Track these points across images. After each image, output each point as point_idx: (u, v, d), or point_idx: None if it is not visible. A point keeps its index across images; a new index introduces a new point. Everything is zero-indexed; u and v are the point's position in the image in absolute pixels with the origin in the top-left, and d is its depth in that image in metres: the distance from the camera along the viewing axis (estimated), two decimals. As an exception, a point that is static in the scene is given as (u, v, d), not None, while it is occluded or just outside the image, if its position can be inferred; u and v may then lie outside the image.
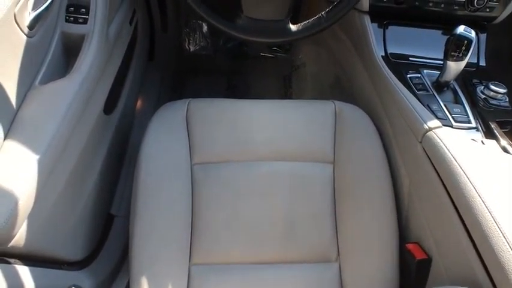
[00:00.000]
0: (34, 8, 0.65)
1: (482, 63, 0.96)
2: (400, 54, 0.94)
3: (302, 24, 0.68)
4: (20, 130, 0.60)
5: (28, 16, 0.63)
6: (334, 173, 0.80)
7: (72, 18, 0.75)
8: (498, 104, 0.81)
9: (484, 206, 0.54)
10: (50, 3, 0.68)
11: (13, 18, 0.57)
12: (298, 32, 0.68)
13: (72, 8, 0.76)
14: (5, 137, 0.59)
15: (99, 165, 0.86)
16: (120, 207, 1.01)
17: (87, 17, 0.76)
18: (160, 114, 0.84)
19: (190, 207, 0.73)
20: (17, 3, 0.58)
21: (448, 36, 0.76)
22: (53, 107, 0.64)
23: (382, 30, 0.97)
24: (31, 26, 0.64)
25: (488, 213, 0.53)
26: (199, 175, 0.77)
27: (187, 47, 1.60)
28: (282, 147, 0.82)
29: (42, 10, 0.66)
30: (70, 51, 0.77)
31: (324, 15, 0.68)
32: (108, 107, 0.90)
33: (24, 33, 0.62)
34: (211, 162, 0.79)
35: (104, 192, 0.93)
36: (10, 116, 0.60)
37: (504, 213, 0.54)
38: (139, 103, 1.21)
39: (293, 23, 0.69)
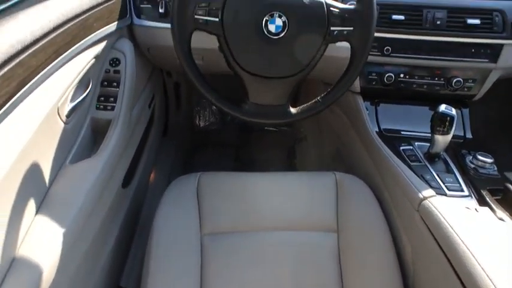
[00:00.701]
0: (72, 99, 0.76)
1: (469, 135, 1.04)
2: (392, 129, 1.04)
3: (300, 107, 0.78)
4: (49, 206, 0.67)
5: (67, 107, 0.74)
6: (338, 242, 0.83)
7: (102, 106, 0.87)
8: (488, 172, 0.87)
9: (484, 275, 0.57)
10: (86, 95, 0.80)
11: (56, 111, 0.68)
12: (297, 114, 0.78)
13: (102, 98, 0.88)
14: (37, 212, 0.65)
15: (113, 238, 0.91)
16: (129, 279, 1.02)
17: (114, 104, 0.88)
18: (173, 188, 0.90)
19: (199, 278, 0.76)
20: (61, 97, 0.69)
21: (433, 113, 0.86)
22: (79, 185, 0.71)
23: (374, 107, 1.08)
24: (68, 115, 0.74)
25: (489, 281, 0.56)
26: (208, 245, 0.80)
27: (198, 123, 1.73)
28: (287, 217, 0.86)
29: (79, 101, 0.78)
30: (97, 133, 0.87)
31: (320, 99, 0.78)
32: (126, 181, 0.98)
33: (63, 121, 0.72)
34: (220, 233, 0.83)
35: (116, 264, 0.96)
36: (42, 193, 0.68)
37: (504, 280, 0.56)
38: (152, 176, 1.29)
39: (293, 107, 0.79)
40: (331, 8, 0.70)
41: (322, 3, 0.70)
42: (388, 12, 0.96)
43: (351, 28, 0.71)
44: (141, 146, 1.12)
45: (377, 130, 1.03)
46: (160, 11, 0.97)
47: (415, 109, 1.09)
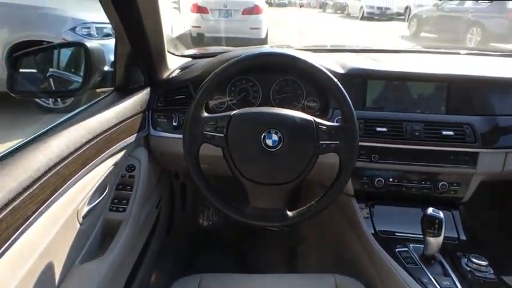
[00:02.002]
0: (89, 202, 0.84)
1: (463, 237, 1.07)
2: (387, 230, 1.08)
3: (297, 211, 0.85)
4: None
5: (84, 209, 0.82)
6: None
7: (114, 208, 0.95)
8: (484, 276, 0.88)
9: None
10: (102, 198, 0.89)
11: (76, 214, 0.76)
12: (293, 217, 0.84)
13: (116, 200, 0.96)
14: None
15: None
16: None
17: (126, 206, 0.96)
18: None
19: None
20: (81, 201, 0.78)
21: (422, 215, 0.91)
22: (87, 286, 0.74)
23: (368, 209, 1.14)
24: (84, 216, 0.82)
25: None
26: None
27: (201, 222, 1.77)
28: None
29: (95, 204, 0.86)
30: (107, 233, 0.93)
31: (314, 203, 0.85)
32: (128, 282, 0.99)
33: (79, 223, 0.79)
34: None
35: None
36: None
37: None
38: (154, 277, 1.28)
39: (293, 209, 0.86)
40: (320, 126, 0.83)
41: (311, 121, 0.83)
42: (373, 125, 1.10)
43: (338, 142, 0.83)
44: (146, 246, 1.16)
45: (373, 232, 1.07)
46: (174, 124, 1.12)
47: (408, 211, 1.14)
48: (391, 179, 1.12)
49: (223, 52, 1.32)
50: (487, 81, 1.14)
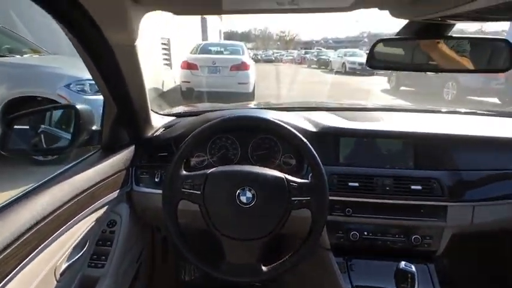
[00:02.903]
0: (69, 258, 0.86)
1: None
2: (364, 286, 1.09)
3: (272, 266, 0.88)
4: None
5: (63, 266, 0.83)
6: None
7: (93, 264, 0.96)
8: None
9: None
10: (81, 254, 0.90)
11: (53, 271, 0.77)
12: (267, 272, 0.87)
13: (95, 256, 0.98)
14: None
15: None
16: None
17: (105, 262, 0.97)
18: None
19: None
20: (60, 258, 0.80)
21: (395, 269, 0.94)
22: None
23: (345, 263, 1.16)
24: (62, 273, 0.83)
25: None
26: None
27: (183, 277, 1.74)
28: None
29: (74, 260, 0.87)
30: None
31: (288, 258, 0.89)
32: None
33: (56, 280, 0.80)
34: None
35: None
36: None
37: None
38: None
39: (264, 265, 0.89)
40: (291, 183, 0.89)
41: (283, 178, 0.89)
42: (346, 180, 1.16)
43: (308, 198, 0.89)
44: None
45: (350, 287, 1.08)
46: (156, 180, 1.17)
47: (385, 264, 1.15)
48: (365, 233, 1.16)
49: (208, 111, 1.42)
50: (450, 138, 1.23)
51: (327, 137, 1.22)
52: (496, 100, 7.35)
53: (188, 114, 1.44)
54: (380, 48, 0.85)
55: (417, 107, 1.65)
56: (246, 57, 7.38)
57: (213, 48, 7.95)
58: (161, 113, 1.42)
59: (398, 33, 0.86)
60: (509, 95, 6.95)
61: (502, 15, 0.64)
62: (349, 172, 1.18)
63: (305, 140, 0.92)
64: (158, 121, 1.33)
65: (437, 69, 0.83)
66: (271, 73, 13.39)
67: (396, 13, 0.70)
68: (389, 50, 0.85)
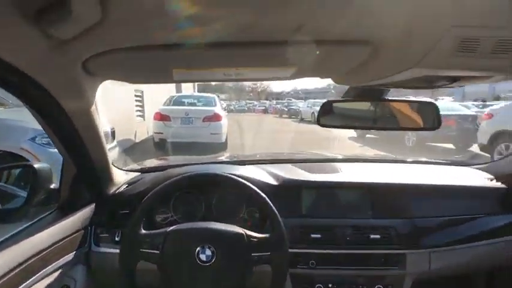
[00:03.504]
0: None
1: None
2: None
3: None
4: None
5: None
6: None
7: None
8: None
9: None
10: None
11: None
12: None
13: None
14: None
15: None
16: None
17: None
18: None
19: None
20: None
21: None
22: None
23: None
24: None
25: None
26: None
27: None
28: None
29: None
30: None
31: None
32: None
33: None
34: None
35: None
36: None
37: None
38: None
39: None
40: (251, 238, 0.90)
41: (242, 234, 0.90)
42: (308, 232, 1.18)
43: (268, 253, 0.89)
44: None
45: None
46: (116, 239, 1.14)
47: None
48: (330, 285, 1.16)
49: (173, 165, 1.43)
50: (406, 187, 1.31)
51: (289, 190, 1.25)
52: (451, 146, 7.86)
53: (153, 169, 1.44)
54: (328, 108, 0.93)
55: (376, 157, 1.75)
56: (219, 109, 7.58)
57: (186, 100, 8.13)
58: (125, 168, 1.42)
59: (344, 96, 0.95)
60: (461, 141, 7.48)
61: (421, 85, 0.74)
62: (312, 224, 1.21)
63: (263, 195, 0.95)
64: (121, 177, 1.32)
65: (374, 128, 0.91)
66: (244, 123, 13.73)
67: (337, 80, 0.79)
68: (337, 110, 0.93)
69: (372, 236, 1.18)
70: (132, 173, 1.42)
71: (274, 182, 1.27)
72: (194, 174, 0.95)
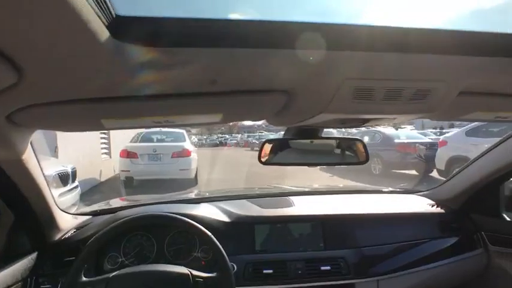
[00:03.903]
0: None
1: None
2: None
3: None
4: None
5: None
6: None
7: None
8: None
9: None
10: None
11: None
12: None
13: None
14: None
15: None
16: None
17: None
18: None
19: None
20: None
21: None
22: None
23: None
24: None
25: None
26: None
27: None
28: None
29: None
30: None
31: None
32: None
33: None
34: None
35: None
36: None
37: None
38: None
39: None
40: (197, 278, 0.90)
41: (188, 275, 0.90)
42: (261, 268, 1.19)
43: None
44: None
45: None
46: (60, 290, 1.09)
47: None
48: None
49: (125, 207, 1.41)
50: (354, 217, 1.36)
51: (242, 226, 1.27)
52: (414, 172, 8.21)
53: (104, 212, 1.42)
54: (268, 147, 0.98)
55: (328, 189, 1.82)
56: (188, 144, 7.55)
57: (154, 137, 8.04)
58: (74, 212, 1.38)
59: (284, 135, 1.01)
60: (423, 167, 7.84)
61: (339, 126, 0.82)
62: (264, 259, 1.22)
63: (209, 234, 0.97)
64: (70, 222, 1.28)
65: (311, 164, 0.97)
66: (215, 157, 13.69)
67: (269, 122, 0.85)
68: (276, 148, 0.98)
69: (322, 268, 1.21)
70: (82, 216, 1.38)
71: (226, 219, 1.28)
72: (138, 217, 0.96)
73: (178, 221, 0.97)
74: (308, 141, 0.93)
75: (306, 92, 0.62)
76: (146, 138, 7.74)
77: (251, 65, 0.54)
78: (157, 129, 7.98)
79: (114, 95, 0.57)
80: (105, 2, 0.40)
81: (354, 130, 10.69)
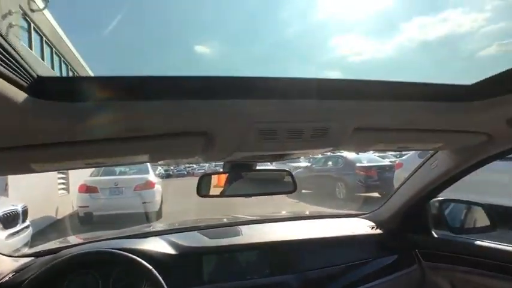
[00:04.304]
0: None
1: None
2: None
3: None
4: None
5: None
6: None
7: None
8: None
9: None
10: None
11: None
12: None
13: None
14: None
15: None
16: None
17: None
18: None
19: None
20: None
21: None
22: None
23: None
24: None
25: None
26: None
27: None
28: None
29: None
30: None
31: None
32: None
33: None
34: None
35: None
36: None
37: None
38: None
39: None
40: None
41: None
42: None
43: None
44: None
45: None
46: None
47: None
48: None
49: (70, 245, 1.39)
50: (299, 242, 1.43)
51: (190, 258, 1.29)
52: (376, 194, 8.54)
53: (47, 252, 1.38)
54: (206, 180, 1.04)
55: (276, 216, 1.88)
56: (152, 176, 7.40)
57: (116, 169, 7.82)
58: (15, 255, 1.34)
59: (223, 168, 1.08)
60: (384, 189, 8.18)
61: (257, 161, 0.90)
62: None
63: (151, 269, 0.99)
64: (9, 265, 1.24)
65: (247, 195, 1.04)
66: (182, 188, 13.43)
67: (202, 158, 0.91)
68: (214, 182, 1.05)
69: None
70: (24, 258, 1.34)
71: (174, 252, 1.30)
72: (67, 258, 0.96)
73: (121, 257, 0.98)
74: (242, 174, 1.00)
75: (221, 134, 0.70)
76: (107, 171, 7.50)
77: (170, 113, 0.62)
78: (119, 161, 7.73)
79: (40, 142, 0.62)
80: (23, 67, 0.46)
81: (319, 155, 11.02)
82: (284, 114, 0.65)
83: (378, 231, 1.57)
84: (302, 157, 10.42)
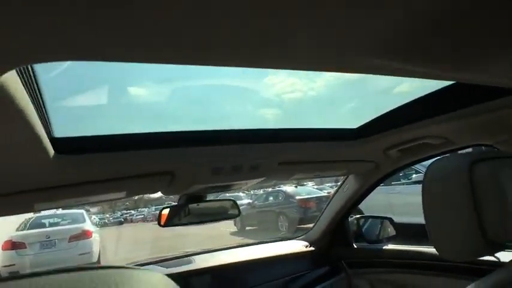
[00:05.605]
0: None
1: None
2: None
3: None
4: None
5: None
6: None
7: None
8: None
9: None
10: None
11: None
12: None
13: None
14: None
15: None
16: None
17: None
18: None
19: None
20: None
21: None
22: None
23: None
24: None
25: None
26: None
27: None
28: None
29: None
30: None
31: None
32: None
33: None
34: None
35: None
36: None
37: None
38: None
39: None
40: None
41: None
42: None
43: None
44: None
45: None
46: None
47: None
48: None
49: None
50: (243, 264, 1.65)
51: None
52: (316, 225, 9.05)
53: None
54: (165, 212, 1.24)
55: (225, 246, 2.10)
56: (88, 225, 6.98)
57: (46, 221, 7.21)
58: None
59: (178, 201, 1.30)
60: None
61: (209, 192, 1.16)
62: None
63: None
64: None
65: (201, 222, 1.27)
66: (120, 236, 12.65)
67: (167, 192, 1.13)
68: (173, 213, 1.25)
69: None
70: None
71: None
72: None
73: None
74: (195, 204, 1.22)
75: (184, 172, 0.94)
76: (37, 224, 6.89)
77: (146, 159, 0.85)
78: (52, 211, 7.24)
79: (49, 186, 0.80)
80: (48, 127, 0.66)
81: (261, 191, 11.34)
82: (229, 156, 0.92)
83: (311, 248, 1.87)
84: (243, 192, 10.67)
